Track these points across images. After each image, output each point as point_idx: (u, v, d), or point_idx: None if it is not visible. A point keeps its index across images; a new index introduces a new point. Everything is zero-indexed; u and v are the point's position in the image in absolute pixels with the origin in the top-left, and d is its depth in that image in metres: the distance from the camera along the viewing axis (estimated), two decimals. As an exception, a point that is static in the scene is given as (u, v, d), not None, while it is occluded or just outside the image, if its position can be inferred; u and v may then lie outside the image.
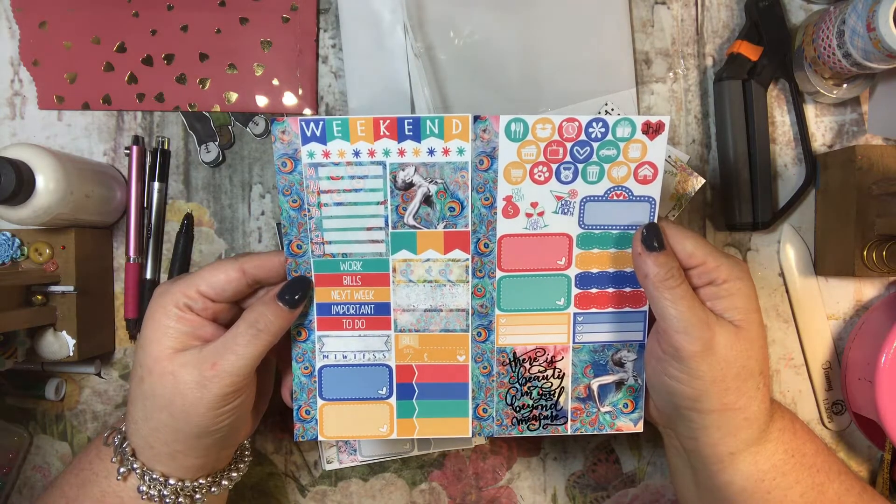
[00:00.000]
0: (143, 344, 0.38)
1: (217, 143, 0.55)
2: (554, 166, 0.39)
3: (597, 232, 0.40)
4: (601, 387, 0.43)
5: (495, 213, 0.39)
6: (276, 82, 0.55)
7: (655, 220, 0.40)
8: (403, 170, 0.38)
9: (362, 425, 0.42)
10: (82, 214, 0.50)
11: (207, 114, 0.56)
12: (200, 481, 0.40)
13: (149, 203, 0.55)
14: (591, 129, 0.38)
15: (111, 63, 0.55)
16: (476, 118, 0.38)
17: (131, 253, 0.54)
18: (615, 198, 0.39)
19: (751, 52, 0.53)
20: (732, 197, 0.54)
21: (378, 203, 0.39)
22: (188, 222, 0.55)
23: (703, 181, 0.55)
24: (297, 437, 0.42)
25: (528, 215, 0.40)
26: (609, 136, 0.38)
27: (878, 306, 0.54)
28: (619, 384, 0.43)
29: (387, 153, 0.38)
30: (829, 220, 0.54)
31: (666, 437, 0.44)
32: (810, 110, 0.56)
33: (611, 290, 0.41)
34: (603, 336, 0.42)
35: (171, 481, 0.39)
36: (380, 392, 0.42)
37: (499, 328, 0.41)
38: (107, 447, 0.40)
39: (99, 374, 0.56)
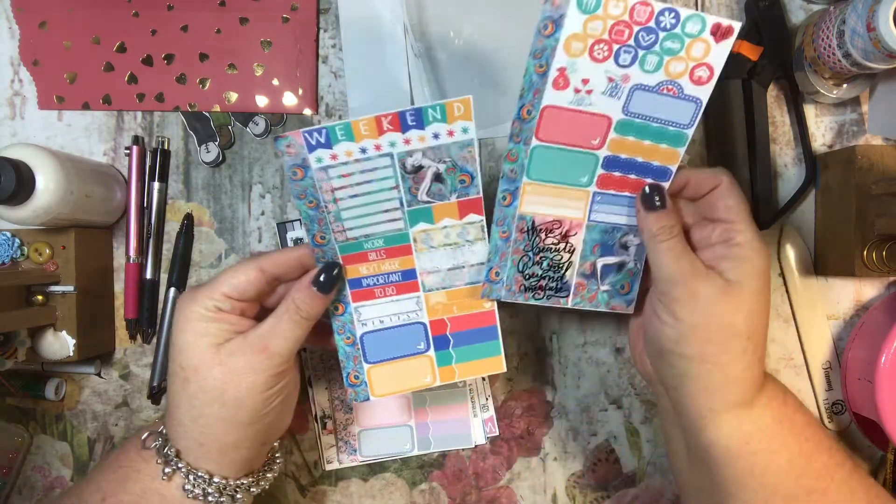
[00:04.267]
0: (182, 348, 0.39)
1: (217, 143, 0.55)
2: (615, 47, 0.38)
3: (637, 121, 0.40)
4: (605, 266, 0.45)
5: (546, 83, 0.39)
6: (276, 82, 0.55)
7: (696, 122, 0.40)
8: (411, 156, 0.40)
9: (407, 379, 0.45)
10: (82, 214, 0.50)
11: (207, 114, 0.56)
12: (242, 481, 0.41)
13: (149, 203, 0.55)
14: (661, 18, 0.37)
15: (111, 63, 0.55)
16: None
17: (131, 253, 0.54)
18: (665, 91, 0.40)
19: (751, 52, 0.53)
20: (732, 197, 0.54)
21: (391, 188, 0.41)
22: (188, 222, 0.55)
23: (703, 181, 0.55)
24: (351, 400, 0.46)
25: (577, 91, 0.39)
26: (677, 29, 0.38)
27: (878, 306, 0.54)
28: (620, 266, 0.45)
29: (393, 144, 0.39)
30: (829, 220, 0.54)
31: (659, 399, 0.46)
32: (810, 110, 0.56)
33: (632, 176, 0.42)
34: (615, 218, 0.44)
35: (216, 479, 0.40)
36: (418, 347, 0.45)
37: (524, 196, 0.43)
38: (146, 450, 0.40)
39: (99, 374, 0.56)
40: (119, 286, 0.55)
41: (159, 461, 0.40)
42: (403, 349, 0.45)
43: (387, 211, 0.42)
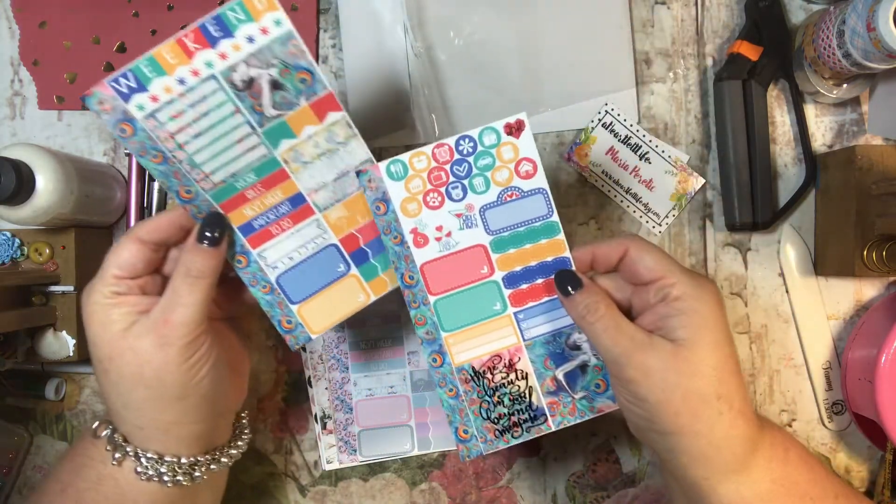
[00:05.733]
0: (93, 340, 0.38)
1: (217, 143, 0.55)
2: (443, 189, 0.41)
3: (506, 234, 0.42)
4: (566, 374, 0.43)
5: (408, 248, 0.41)
6: (276, 82, 0.55)
7: (552, 206, 0.41)
8: (235, 70, 0.37)
9: (341, 305, 0.43)
10: (82, 214, 0.50)
11: (207, 114, 0.56)
12: (199, 458, 0.40)
13: (149, 203, 0.55)
14: (460, 147, 0.40)
15: (111, 63, 0.55)
16: (358, 173, 0.40)
17: (131, 253, 0.54)
18: (509, 199, 0.41)
19: (751, 52, 0.53)
20: (732, 197, 0.54)
21: (232, 114, 0.38)
22: (188, 222, 0.55)
23: (703, 181, 0.55)
24: (293, 347, 0.43)
25: (438, 239, 0.42)
26: (479, 148, 0.40)
27: (878, 306, 0.54)
28: (582, 368, 0.43)
29: (209, 65, 0.36)
30: (829, 220, 0.54)
31: (655, 453, 0.44)
32: (810, 110, 0.56)
33: (540, 280, 0.42)
34: (548, 326, 0.43)
35: (167, 458, 0.39)
36: (339, 270, 0.42)
37: (450, 349, 0.43)
38: (98, 439, 0.40)
39: (99, 374, 0.56)
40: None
41: (108, 448, 0.39)
42: (325, 277, 0.42)
43: (241, 140, 0.38)
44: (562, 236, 0.42)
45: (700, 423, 0.36)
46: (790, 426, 0.56)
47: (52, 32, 0.55)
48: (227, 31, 0.36)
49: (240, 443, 0.44)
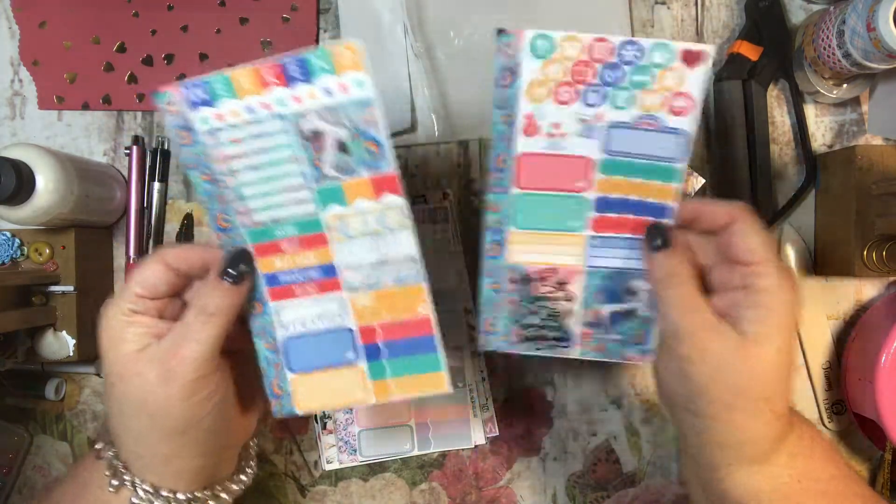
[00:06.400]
0: (105, 355, 0.37)
1: (217, 143, 0.55)
2: (580, 88, 0.37)
3: (621, 159, 0.38)
4: (613, 314, 0.41)
5: (514, 131, 0.38)
6: (276, 82, 0.55)
7: (688, 153, 0.38)
8: (306, 118, 0.35)
9: (337, 393, 0.40)
10: (82, 214, 0.50)
11: (207, 114, 0.56)
12: (196, 493, 0.38)
13: (149, 203, 0.55)
14: (623, 52, 0.36)
15: (111, 63, 0.55)
16: (500, 31, 0.36)
17: (131, 253, 0.54)
18: (645, 126, 0.37)
19: (751, 52, 0.53)
20: (732, 197, 0.54)
21: (290, 160, 0.36)
22: (188, 222, 0.55)
23: (703, 181, 0.55)
24: (276, 414, 0.40)
25: (550, 135, 0.38)
26: (643, 61, 0.36)
27: (878, 306, 0.54)
28: (629, 313, 0.41)
29: (282, 103, 0.35)
30: (829, 220, 0.54)
31: (680, 437, 0.43)
32: (810, 110, 0.56)
33: (631, 216, 0.39)
34: (617, 262, 0.41)
35: (163, 492, 0.37)
36: (347, 356, 0.39)
37: (512, 245, 0.40)
38: (100, 460, 0.39)
39: (99, 375, 0.56)
40: (119, 286, 0.55)
41: (107, 473, 0.38)
42: (330, 357, 0.39)
43: (292, 189, 0.36)
44: (679, 185, 0.38)
45: (738, 415, 0.36)
46: (790, 426, 0.56)
47: (52, 32, 0.55)
48: (307, 77, 0.34)
49: (242, 476, 0.43)
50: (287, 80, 0.34)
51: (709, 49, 0.36)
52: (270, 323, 0.39)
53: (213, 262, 0.38)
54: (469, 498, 0.57)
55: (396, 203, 0.36)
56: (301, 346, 0.39)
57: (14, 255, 0.50)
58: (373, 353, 0.39)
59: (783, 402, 0.36)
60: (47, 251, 0.50)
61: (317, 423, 0.55)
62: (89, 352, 0.52)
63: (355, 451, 0.55)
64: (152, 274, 0.37)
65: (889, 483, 0.54)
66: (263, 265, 0.38)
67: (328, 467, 0.55)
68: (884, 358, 0.48)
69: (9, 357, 0.48)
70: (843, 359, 0.54)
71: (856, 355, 0.53)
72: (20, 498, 0.56)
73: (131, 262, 0.54)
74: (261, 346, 0.40)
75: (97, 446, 0.39)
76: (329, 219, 0.37)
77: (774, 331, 0.35)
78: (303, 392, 0.40)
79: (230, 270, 0.36)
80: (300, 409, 0.40)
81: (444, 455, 0.56)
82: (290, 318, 0.39)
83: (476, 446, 0.56)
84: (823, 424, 0.56)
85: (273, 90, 0.34)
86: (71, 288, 0.50)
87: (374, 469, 0.56)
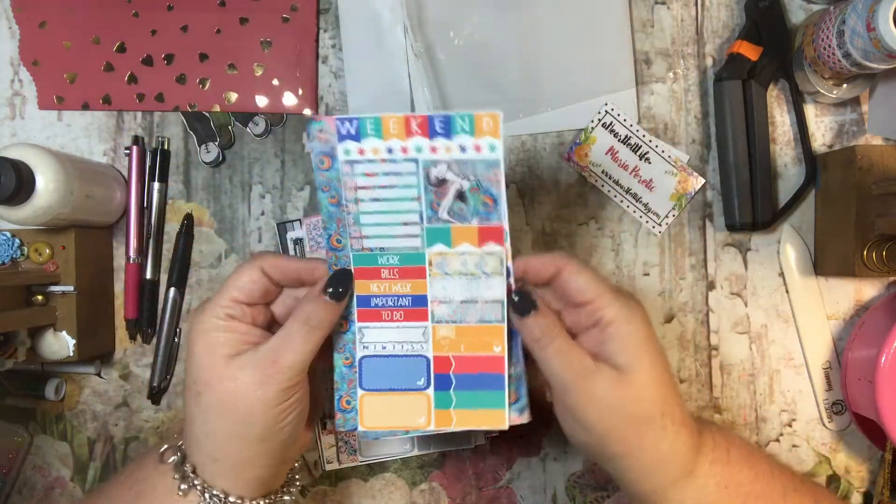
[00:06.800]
0: (195, 361, 0.38)
1: (217, 143, 0.55)
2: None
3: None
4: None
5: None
6: (276, 82, 0.55)
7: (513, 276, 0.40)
8: (436, 166, 0.39)
9: (401, 416, 0.42)
10: (82, 214, 0.50)
11: (207, 114, 0.56)
12: (259, 501, 0.40)
13: (149, 203, 0.55)
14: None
15: (111, 63, 0.55)
16: (310, 120, 0.38)
17: (131, 253, 0.54)
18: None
19: (751, 52, 0.53)
20: (732, 197, 0.54)
21: (413, 199, 0.40)
22: (188, 222, 0.55)
23: (703, 181, 0.55)
24: (339, 427, 0.42)
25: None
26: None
27: (878, 306, 0.54)
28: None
29: (419, 150, 0.38)
30: (829, 220, 0.54)
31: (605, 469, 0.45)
32: (810, 110, 0.56)
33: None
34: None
35: (232, 498, 0.39)
36: (418, 383, 0.42)
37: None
38: (164, 465, 0.39)
39: (99, 374, 0.56)
40: (119, 286, 0.55)
41: (176, 476, 0.38)
42: (402, 381, 0.42)
43: (406, 224, 0.40)
44: (507, 247, 0.40)
45: (646, 440, 0.38)
46: (790, 426, 0.56)
47: (52, 32, 0.55)
48: (448, 133, 0.38)
49: (292, 489, 0.44)
50: (430, 132, 0.38)
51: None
52: (352, 341, 0.42)
53: (312, 275, 0.40)
54: (469, 498, 0.57)
55: (497, 252, 0.40)
56: (377, 366, 0.42)
57: (14, 255, 0.50)
58: (443, 383, 0.42)
59: (680, 409, 0.39)
60: (47, 251, 0.50)
61: (317, 423, 0.55)
62: (89, 352, 0.52)
63: (355, 451, 0.55)
64: (249, 279, 0.39)
65: (889, 483, 0.54)
66: (360, 287, 0.41)
67: (328, 467, 0.55)
68: (884, 358, 0.48)
69: (9, 357, 0.48)
70: (843, 359, 0.54)
71: (856, 355, 0.53)
72: (20, 498, 0.56)
73: (131, 262, 0.54)
74: (339, 360, 0.42)
75: (162, 450, 0.40)
76: (432, 255, 0.41)
77: (639, 352, 0.37)
78: (369, 410, 0.42)
79: (334, 288, 0.38)
80: (364, 426, 0.42)
81: (444, 455, 0.56)
82: (372, 339, 0.42)
83: (476, 446, 0.56)
84: (823, 424, 0.56)
85: (414, 138, 0.38)
86: (71, 288, 0.50)
87: (374, 469, 0.56)
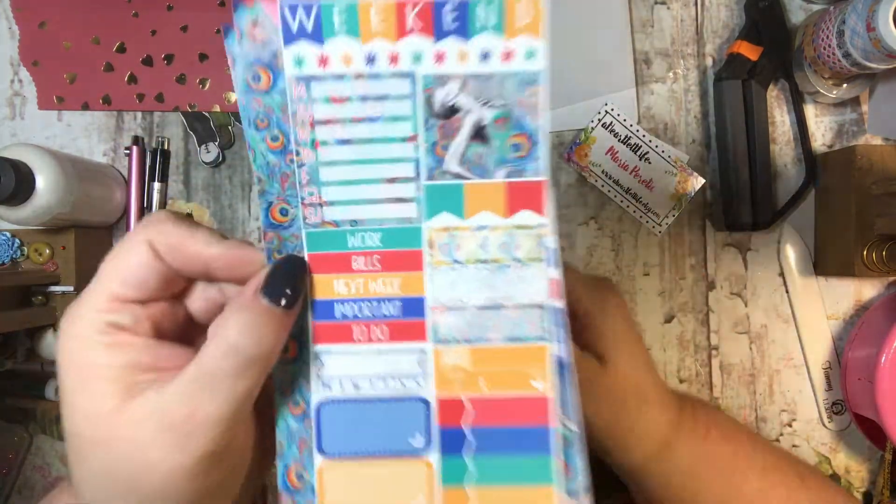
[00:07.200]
0: (71, 402, 0.24)
1: (217, 144, 0.55)
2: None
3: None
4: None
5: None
6: (276, 82, 0.55)
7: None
8: (444, 85, 0.25)
9: (385, 498, 0.27)
10: (82, 214, 0.50)
11: (207, 114, 0.56)
12: None
13: (149, 203, 0.55)
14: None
15: (111, 63, 0.55)
16: (238, 4, 0.24)
17: (131, 253, 0.54)
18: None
19: (751, 52, 0.53)
20: (732, 197, 0.54)
21: (405, 139, 0.26)
22: (188, 222, 0.55)
23: (703, 181, 0.55)
24: None
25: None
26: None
27: (878, 306, 0.54)
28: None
29: (417, 59, 0.25)
30: (829, 220, 0.54)
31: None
32: (810, 110, 0.56)
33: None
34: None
35: None
36: (412, 442, 0.27)
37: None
38: None
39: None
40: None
41: None
42: (387, 440, 0.27)
43: (393, 181, 0.26)
44: (550, 216, 0.27)
45: (626, 421, 0.39)
46: (790, 426, 0.56)
47: (51, 32, 0.55)
48: (464, 29, 0.24)
49: None
50: (435, 27, 0.24)
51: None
52: (304, 376, 0.26)
53: (238, 268, 0.25)
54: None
55: (535, 224, 0.26)
56: (345, 416, 0.27)
57: (14, 255, 0.50)
58: (453, 441, 0.27)
59: (657, 390, 0.40)
60: (47, 251, 0.50)
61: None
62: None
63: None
64: (138, 263, 0.24)
65: (889, 483, 0.54)
66: (317, 287, 0.26)
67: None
68: (884, 358, 0.48)
69: (9, 357, 0.48)
70: (843, 359, 0.54)
71: (856, 355, 0.53)
72: (20, 498, 0.56)
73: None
74: (284, 409, 0.27)
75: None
76: (433, 232, 0.26)
77: (619, 342, 0.38)
78: (333, 490, 0.27)
79: (283, 289, 0.24)
80: None
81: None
82: (336, 373, 0.27)
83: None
84: (823, 424, 0.56)
85: (410, 38, 0.24)
86: (71, 288, 0.50)
87: None
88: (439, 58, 0.25)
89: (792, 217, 0.56)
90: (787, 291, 0.56)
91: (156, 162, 0.55)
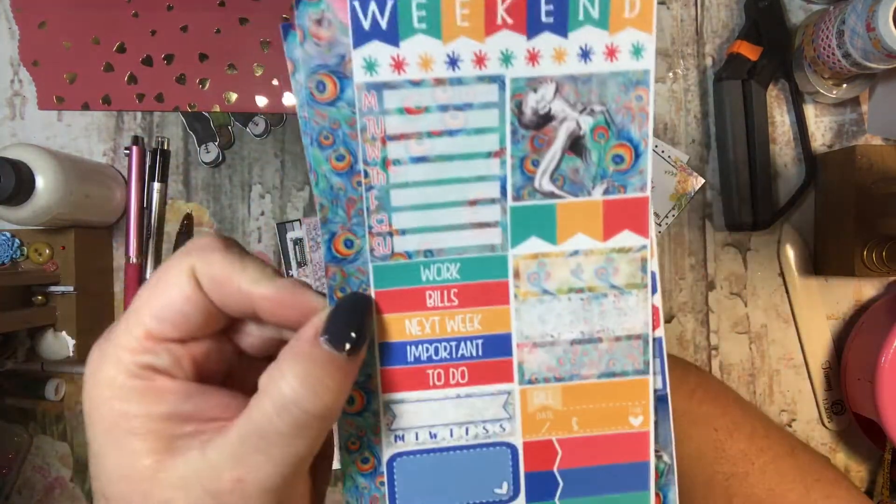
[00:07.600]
0: (99, 459, 0.21)
1: (217, 144, 0.55)
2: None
3: None
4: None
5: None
6: (275, 82, 0.55)
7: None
8: (536, 90, 0.22)
9: None
10: (82, 214, 0.50)
11: (207, 114, 0.56)
12: None
13: (149, 203, 0.55)
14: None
15: (111, 63, 0.55)
16: (300, 0, 0.21)
17: (131, 253, 0.54)
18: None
19: (750, 52, 0.53)
20: (732, 197, 0.54)
21: (490, 155, 0.23)
22: (188, 222, 0.55)
23: (703, 181, 0.55)
24: None
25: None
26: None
27: (878, 306, 0.54)
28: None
29: (506, 59, 0.22)
30: (829, 220, 0.54)
31: None
32: (810, 110, 0.56)
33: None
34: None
35: None
36: (497, 492, 0.25)
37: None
38: None
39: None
40: (119, 286, 0.55)
41: None
42: (469, 492, 0.24)
43: (474, 204, 0.23)
44: (652, 236, 0.25)
45: None
46: (790, 426, 0.56)
47: (52, 32, 0.55)
48: (562, 24, 0.21)
49: None
50: (528, 22, 0.21)
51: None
52: (372, 428, 0.24)
53: (293, 310, 0.22)
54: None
55: (637, 247, 0.24)
56: (421, 470, 0.24)
57: (14, 255, 0.50)
58: (542, 486, 0.24)
59: None
60: (47, 251, 0.50)
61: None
62: (89, 352, 0.52)
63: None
64: (180, 294, 0.21)
65: (889, 483, 0.54)
66: (386, 328, 0.23)
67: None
68: (884, 358, 0.48)
69: (9, 357, 0.48)
70: (843, 359, 0.54)
71: (856, 355, 0.53)
72: (20, 498, 0.56)
73: (131, 262, 0.54)
74: (352, 467, 0.24)
75: None
76: (520, 260, 0.23)
77: None
78: None
79: (347, 333, 0.21)
80: None
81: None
82: (409, 423, 0.24)
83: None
84: (823, 424, 0.56)
85: (499, 35, 0.21)
86: (71, 288, 0.50)
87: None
88: (532, 57, 0.22)
89: (792, 217, 0.56)
90: (786, 291, 0.56)
91: (155, 162, 0.55)
